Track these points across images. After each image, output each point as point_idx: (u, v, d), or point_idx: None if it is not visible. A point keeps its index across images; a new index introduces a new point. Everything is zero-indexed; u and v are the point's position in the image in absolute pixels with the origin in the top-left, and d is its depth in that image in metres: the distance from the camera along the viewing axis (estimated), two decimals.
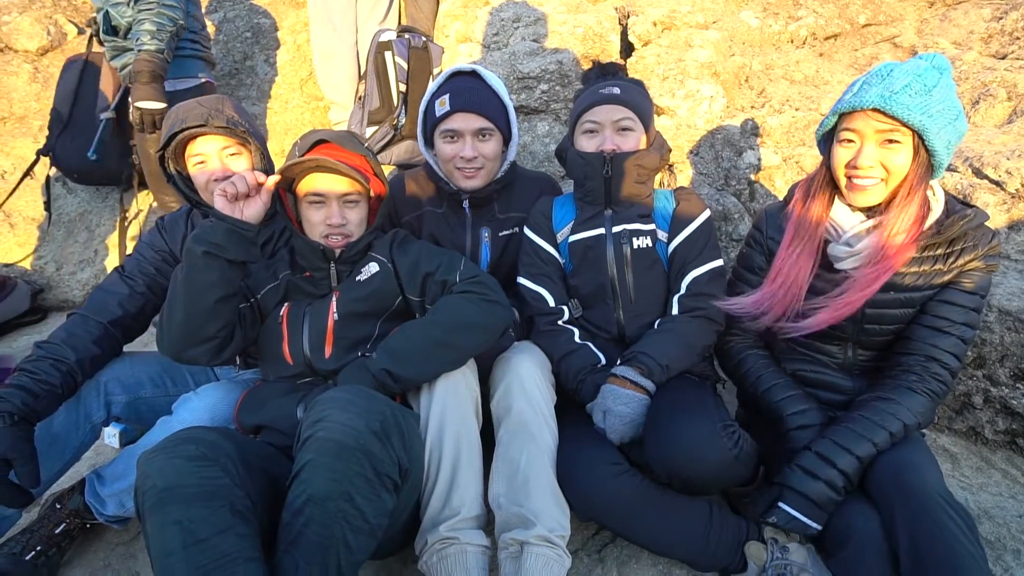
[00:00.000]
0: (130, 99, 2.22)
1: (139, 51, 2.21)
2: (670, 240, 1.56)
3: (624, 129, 1.52)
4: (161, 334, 1.36)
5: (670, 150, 1.63)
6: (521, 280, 1.62)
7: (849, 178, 1.31)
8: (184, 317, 1.31)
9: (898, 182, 1.27)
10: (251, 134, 1.63)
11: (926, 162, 1.24)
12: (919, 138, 1.22)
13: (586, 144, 1.54)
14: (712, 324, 1.51)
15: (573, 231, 1.60)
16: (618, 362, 1.45)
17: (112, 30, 2.35)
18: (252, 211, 1.35)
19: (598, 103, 1.52)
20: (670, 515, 1.32)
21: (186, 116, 1.57)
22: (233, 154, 1.62)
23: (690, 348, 1.47)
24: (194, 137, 1.58)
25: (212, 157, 1.60)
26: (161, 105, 2.22)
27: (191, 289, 1.30)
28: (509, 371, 1.40)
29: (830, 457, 1.26)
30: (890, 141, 1.24)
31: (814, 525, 1.24)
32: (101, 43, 2.49)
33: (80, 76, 2.78)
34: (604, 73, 1.59)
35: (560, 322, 1.57)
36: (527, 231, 1.64)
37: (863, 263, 1.32)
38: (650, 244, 1.55)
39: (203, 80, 2.53)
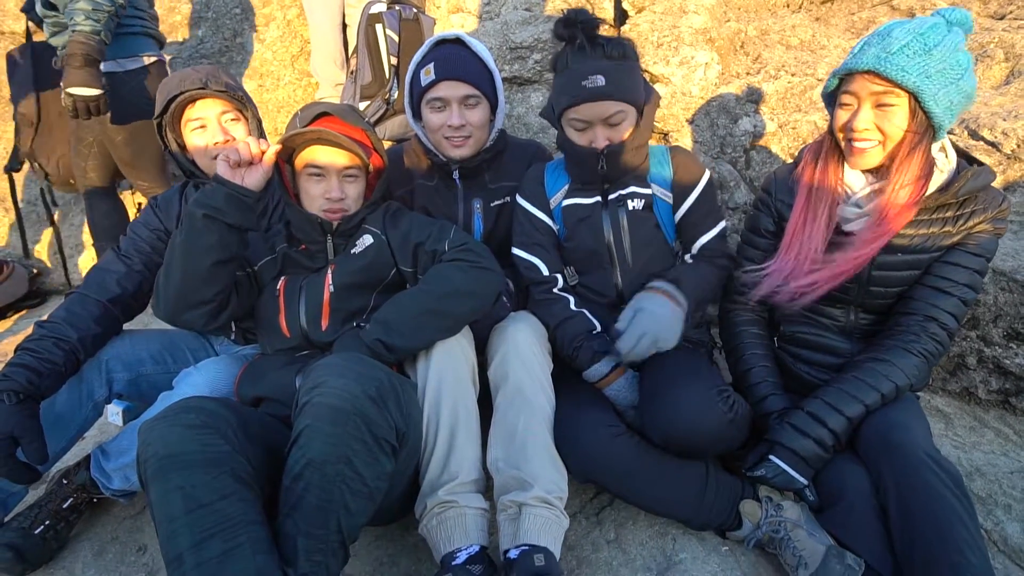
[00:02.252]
0: (62, 84, 2.03)
1: (73, 31, 2.02)
2: (675, 207, 1.56)
3: (615, 124, 1.44)
4: (157, 297, 1.38)
5: (659, 98, 1.57)
6: (515, 250, 1.62)
7: (847, 141, 1.29)
8: (181, 279, 1.33)
9: (895, 145, 1.24)
10: (248, 101, 1.62)
11: (925, 123, 1.20)
12: (915, 100, 1.18)
13: (576, 138, 1.48)
14: (723, 272, 1.55)
15: (567, 196, 1.58)
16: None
17: (50, 5, 2.15)
18: (253, 179, 1.35)
19: (584, 100, 1.40)
20: (667, 475, 1.34)
21: (183, 80, 1.56)
22: (232, 119, 1.61)
23: (709, 289, 1.52)
24: (192, 101, 1.57)
25: (212, 121, 1.59)
26: (96, 92, 2.01)
27: (189, 251, 1.31)
28: (506, 340, 1.41)
29: (821, 417, 1.28)
30: (884, 104, 1.21)
31: (801, 479, 1.27)
32: (38, 23, 2.24)
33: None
34: (578, 39, 1.40)
35: (555, 290, 1.57)
36: (520, 199, 1.62)
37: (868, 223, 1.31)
38: (647, 205, 1.53)
39: (155, 59, 2.36)
